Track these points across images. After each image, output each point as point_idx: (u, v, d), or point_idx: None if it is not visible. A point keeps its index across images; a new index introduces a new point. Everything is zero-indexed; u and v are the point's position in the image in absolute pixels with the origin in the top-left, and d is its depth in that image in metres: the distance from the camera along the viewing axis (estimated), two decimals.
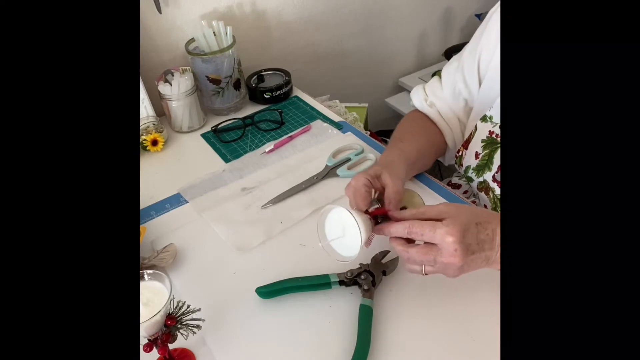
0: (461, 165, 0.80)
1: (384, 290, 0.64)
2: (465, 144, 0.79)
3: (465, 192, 0.95)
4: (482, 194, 0.77)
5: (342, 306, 0.63)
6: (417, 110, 0.87)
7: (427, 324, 0.59)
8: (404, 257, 0.56)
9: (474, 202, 0.91)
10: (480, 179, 0.76)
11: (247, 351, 0.59)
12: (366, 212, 0.60)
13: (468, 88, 0.80)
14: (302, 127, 1.00)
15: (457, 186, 0.98)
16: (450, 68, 0.83)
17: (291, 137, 0.97)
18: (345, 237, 0.58)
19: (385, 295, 0.63)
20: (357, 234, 0.55)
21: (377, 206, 0.61)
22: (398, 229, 0.55)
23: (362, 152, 0.90)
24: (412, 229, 0.53)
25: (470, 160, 0.78)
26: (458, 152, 0.81)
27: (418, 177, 0.83)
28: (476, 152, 0.76)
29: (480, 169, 0.76)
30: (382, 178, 0.64)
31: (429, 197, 0.78)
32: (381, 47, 1.48)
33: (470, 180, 0.79)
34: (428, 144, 0.82)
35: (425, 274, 0.55)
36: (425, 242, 0.54)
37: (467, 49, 0.81)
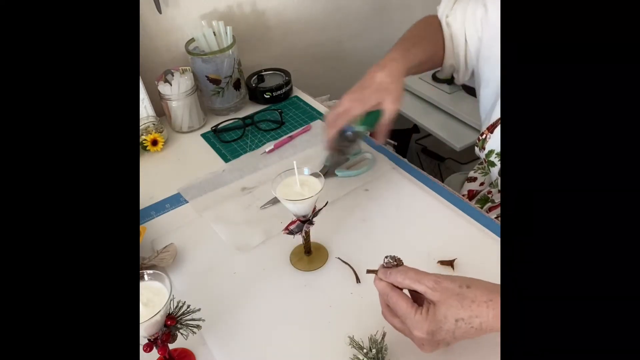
0: (483, 148, 0.80)
1: None
2: (491, 128, 0.78)
3: (481, 184, 0.95)
4: None
5: (345, 309, 0.63)
6: (436, 17, 0.89)
7: None
8: (385, 317, 0.54)
9: (489, 192, 0.91)
10: None
11: (247, 351, 0.59)
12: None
13: (484, 25, 0.81)
14: (302, 127, 1.00)
15: (473, 179, 0.97)
16: None
17: (291, 137, 0.97)
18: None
19: None
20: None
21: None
22: (379, 287, 0.53)
23: (360, 151, 0.90)
24: (390, 299, 0.51)
25: (494, 144, 0.77)
26: (482, 135, 0.80)
27: (418, 177, 0.83)
28: None
29: None
30: (384, 105, 0.72)
31: (430, 198, 0.78)
32: (381, 47, 1.47)
33: (492, 165, 0.79)
34: (433, 55, 0.85)
35: None
36: None
37: None
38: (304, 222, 0.64)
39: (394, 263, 0.54)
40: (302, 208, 0.62)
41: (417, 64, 0.80)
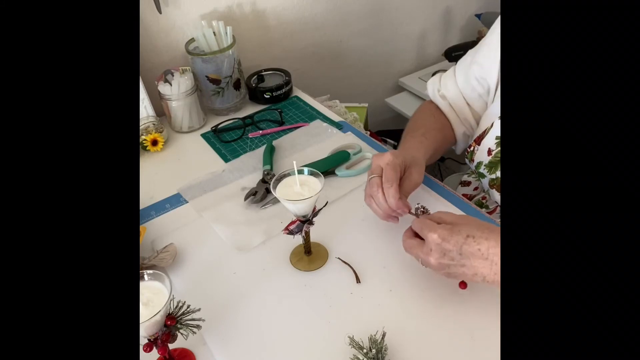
0: (472, 160, 0.80)
1: (384, 289, 0.64)
2: (478, 140, 0.78)
3: (475, 188, 0.95)
4: (494, 191, 0.77)
5: (345, 309, 0.63)
6: (431, 102, 0.90)
7: (427, 323, 0.59)
8: (404, 246, 0.61)
9: (484, 197, 0.91)
10: (493, 176, 0.76)
11: (247, 351, 0.59)
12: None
13: (482, 83, 0.80)
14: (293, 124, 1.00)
15: (467, 183, 0.98)
16: (464, 62, 0.85)
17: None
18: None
19: (385, 295, 0.63)
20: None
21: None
22: (414, 223, 0.60)
23: (360, 151, 0.90)
24: (418, 224, 0.58)
25: (482, 156, 0.77)
26: (470, 147, 0.80)
27: None
28: (489, 148, 0.76)
29: (493, 165, 0.76)
30: (412, 171, 0.68)
31: (429, 197, 0.78)
32: (381, 47, 1.48)
33: (481, 176, 0.79)
34: (443, 140, 0.84)
35: (423, 266, 0.59)
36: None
37: (484, 42, 0.81)
38: (304, 222, 0.64)
39: (423, 210, 0.63)
40: (302, 208, 0.62)
41: (432, 153, 0.80)
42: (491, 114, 0.78)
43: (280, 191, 0.62)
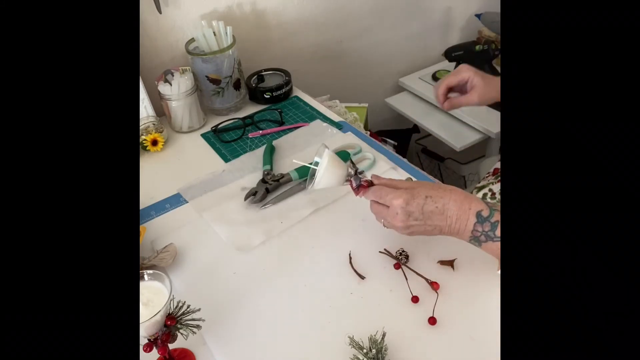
0: None
1: (384, 289, 0.64)
2: None
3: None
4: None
5: (345, 309, 0.63)
6: None
7: (427, 324, 0.59)
8: (372, 210, 0.65)
9: (493, 194, 0.92)
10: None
11: (247, 351, 0.59)
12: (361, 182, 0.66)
13: None
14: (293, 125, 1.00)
15: None
16: None
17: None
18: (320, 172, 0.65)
19: (385, 295, 0.64)
20: (321, 171, 0.63)
21: (365, 179, 0.66)
22: (370, 193, 0.65)
23: (360, 151, 0.90)
24: (377, 192, 0.63)
25: None
26: None
27: (418, 177, 0.83)
28: None
29: None
30: (472, 91, 0.85)
31: None
32: (381, 47, 1.48)
33: None
34: None
35: (386, 227, 0.65)
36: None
37: None
38: (355, 175, 0.65)
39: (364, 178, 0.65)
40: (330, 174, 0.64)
41: None
42: None
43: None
